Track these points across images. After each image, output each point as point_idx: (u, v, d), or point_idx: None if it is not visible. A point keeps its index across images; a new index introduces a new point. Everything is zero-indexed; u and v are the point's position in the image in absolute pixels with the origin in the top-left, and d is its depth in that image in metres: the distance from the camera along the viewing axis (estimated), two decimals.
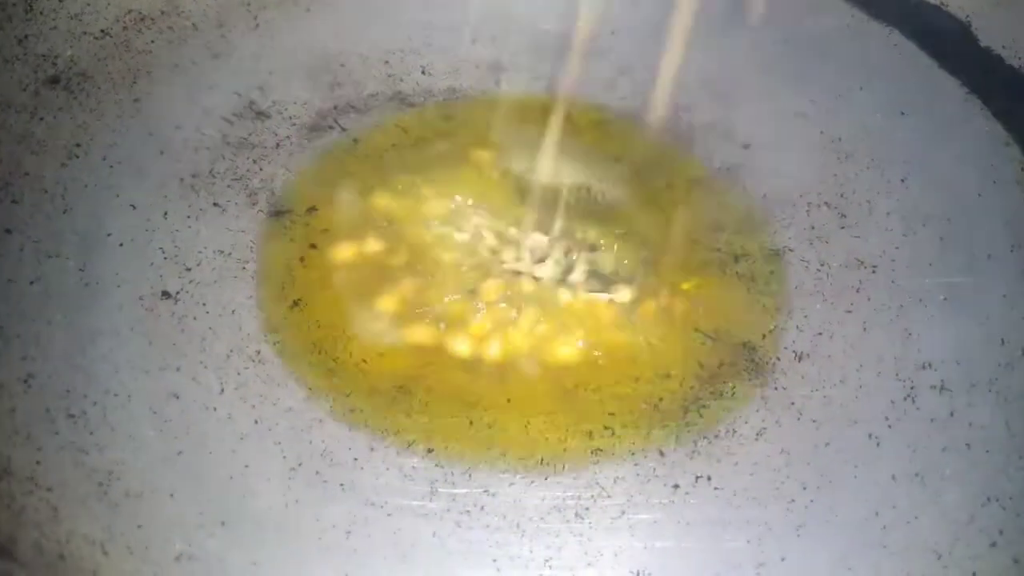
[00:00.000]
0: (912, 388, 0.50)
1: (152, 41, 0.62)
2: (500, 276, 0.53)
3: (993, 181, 0.58)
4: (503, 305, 0.52)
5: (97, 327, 0.49)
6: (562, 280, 0.54)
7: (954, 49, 0.63)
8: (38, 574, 0.28)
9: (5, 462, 0.41)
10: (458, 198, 0.57)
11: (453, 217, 0.56)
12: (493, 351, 0.51)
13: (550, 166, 0.59)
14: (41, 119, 0.56)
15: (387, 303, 0.52)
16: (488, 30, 0.67)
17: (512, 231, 0.56)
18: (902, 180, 0.59)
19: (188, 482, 0.44)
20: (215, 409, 0.47)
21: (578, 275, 0.54)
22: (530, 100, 0.64)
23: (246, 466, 0.45)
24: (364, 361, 0.50)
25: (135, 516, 0.41)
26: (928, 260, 0.55)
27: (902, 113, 0.62)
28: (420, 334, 0.51)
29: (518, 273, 0.54)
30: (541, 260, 0.54)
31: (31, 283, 0.50)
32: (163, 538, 0.41)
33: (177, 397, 0.47)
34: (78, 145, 0.56)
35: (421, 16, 0.67)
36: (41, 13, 0.58)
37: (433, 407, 0.48)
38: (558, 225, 0.56)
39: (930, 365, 0.50)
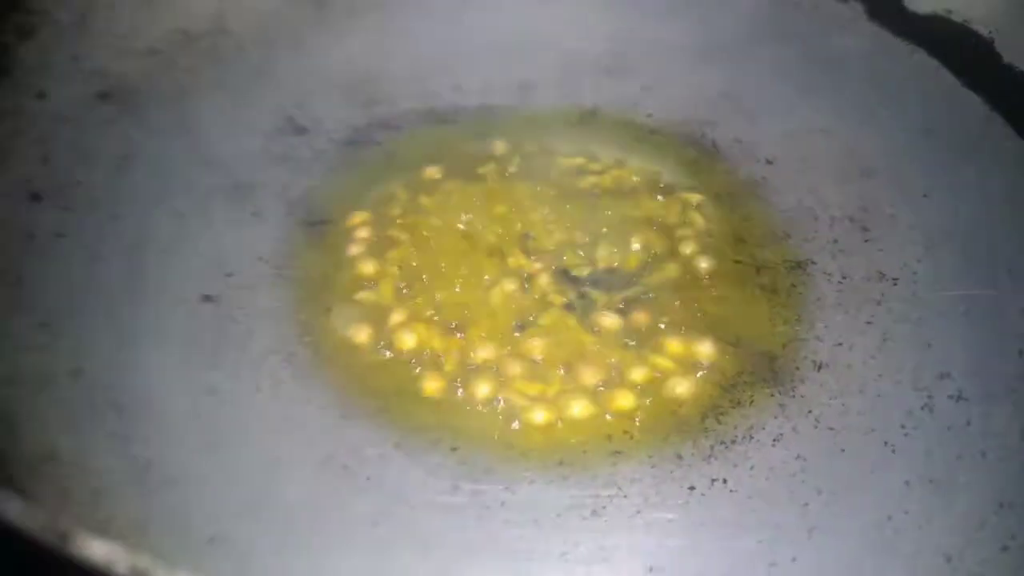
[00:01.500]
0: (929, 398, 0.50)
1: (198, 60, 0.65)
2: (522, 294, 0.55)
3: (1014, 196, 0.58)
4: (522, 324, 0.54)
5: (142, 327, 0.51)
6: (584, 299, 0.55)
7: (977, 66, 0.63)
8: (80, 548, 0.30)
9: (52, 449, 0.44)
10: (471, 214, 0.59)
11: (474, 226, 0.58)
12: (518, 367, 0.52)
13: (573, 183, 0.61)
14: (92, 132, 0.59)
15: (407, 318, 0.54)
16: (517, 49, 0.69)
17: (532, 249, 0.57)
18: (924, 195, 0.60)
19: (222, 472, 0.46)
20: (250, 405, 0.49)
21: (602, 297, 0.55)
22: (558, 116, 0.66)
23: (278, 459, 0.47)
24: (392, 363, 0.51)
25: (171, 502, 0.44)
26: (949, 274, 0.56)
27: (925, 129, 0.63)
28: (442, 343, 0.53)
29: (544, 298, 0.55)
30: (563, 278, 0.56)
31: (79, 285, 0.52)
32: (197, 522, 0.43)
33: (215, 393, 0.49)
34: (126, 157, 0.59)
35: (453, 36, 0.70)
36: (93, 32, 0.62)
37: (458, 407, 0.50)
38: (579, 242, 0.57)
39: (948, 375, 0.51)
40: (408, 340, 0.52)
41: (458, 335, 0.52)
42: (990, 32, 0.63)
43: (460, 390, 0.50)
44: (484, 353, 0.52)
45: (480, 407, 0.50)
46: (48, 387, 0.47)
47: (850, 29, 0.67)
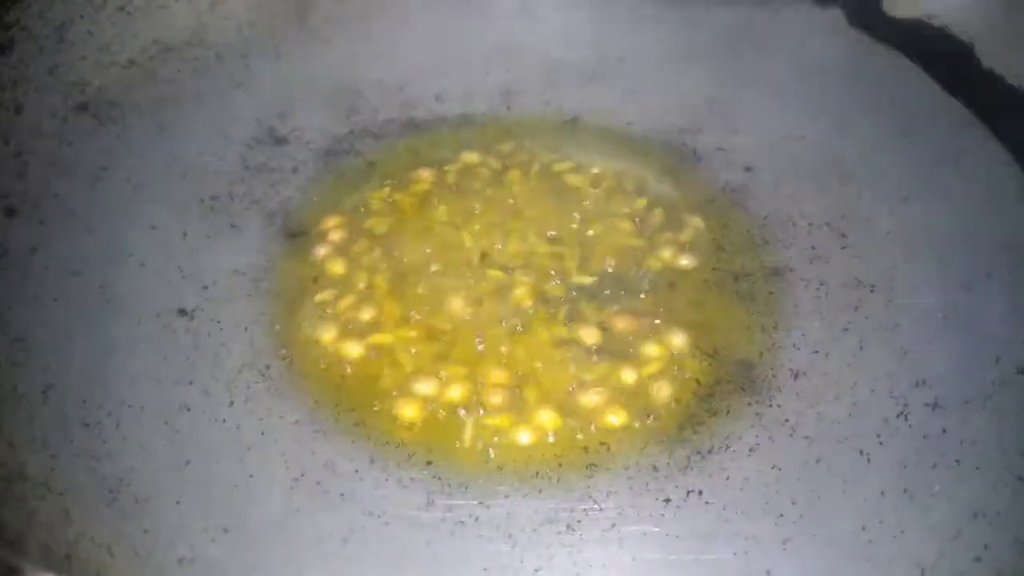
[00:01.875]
0: (905, 406, 0.50)
1: (177, 71, 0.65)
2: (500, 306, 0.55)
3: (993, 201, 0.58)
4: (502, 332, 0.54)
5: (115, 342, 0.51)
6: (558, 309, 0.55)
7: (956, 71, 0.63)
8: (46, 573, 0.30)
9: (21, 467, 0.44)
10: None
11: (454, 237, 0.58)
12: (495, 378, 0.52)
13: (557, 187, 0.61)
14: (70, 144, 0.59)
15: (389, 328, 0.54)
16: (500, 58, 0.69)
17: (504, 253, 0.57)
18: (902, 200, 0.60)
19: (194, 490, 0.46)
20: (224, 421, 0.49)
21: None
22: (540, 124, 0.66)
23: (251, 476, 0.47)
24: (369, 378, 0.51)
25: (142, 521, 0.44)
26: (926, 279, 0.56)
27: (904, 134, 0.63)
28: (422, 352, 0.53)
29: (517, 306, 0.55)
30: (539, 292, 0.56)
31: (54, 300, 0.52)
32: (167, 542, 0.43)
33: (188, 409, 0.49)
34: (104, 169, 0.59)
35: (435, 46, 0.70)
36: (71, 44, 0.61)
37: (433, 421, 0.50)
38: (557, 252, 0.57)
39: (924, 383, 0.51)
40: (374, 348, 0.52)
41: (433, 345, 0.52)
42: (969, 37, 0.63)
43: (433, 407, 0.50)
44: (458, 367, 0.52)
45: (455, 423, 0.50)
46: (20, 405, 0.47)
47: (830, 35, 0.67)
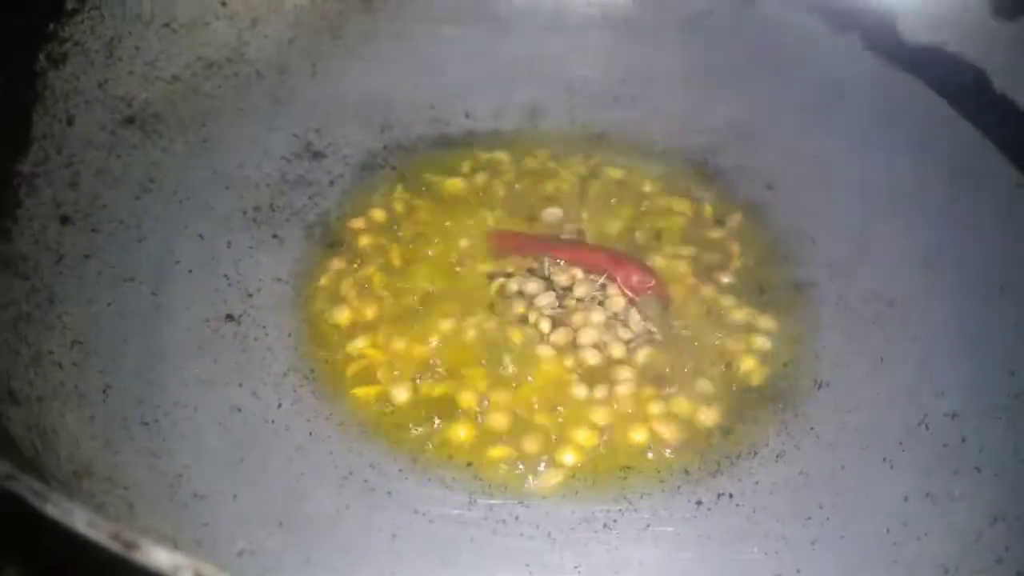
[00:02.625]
0: (925, 415, 0.52)
1: (219, 86, 0.68)
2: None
3: (1006, 219, 0.61)
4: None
5: (168, 345, 0.53)
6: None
7: (970, 95, 0.66)
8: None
9: (87, 463, 0.46)
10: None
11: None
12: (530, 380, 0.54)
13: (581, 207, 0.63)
14: (118, 156, 0.62)
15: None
16: (527, 76, 0.72)
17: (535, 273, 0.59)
18: (918, 219, 0.62)
19: (249, 486, 0.48)
20: (273, 422, 0.51)
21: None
22: (566, 140, 0.68)
23: (302, 474, 0.49)
24: (410, 381, 0.53)
25: (202, 515, 0.46)
26: (943, 295, 0.58)
27: (920, 155, 0.65)
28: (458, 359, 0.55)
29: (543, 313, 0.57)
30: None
31: (108, 304, 0.54)
32: (227, 535, 0.45)
33: (239, 410, 0.51)
34: (151, 180, 0.62)
35: (464, 63, 0.72)
36: (119, 59, 0.64)
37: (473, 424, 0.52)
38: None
39: (943, 393, 0.53)
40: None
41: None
42: (982, 63, 0.65)
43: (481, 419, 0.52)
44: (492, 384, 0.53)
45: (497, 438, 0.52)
46: (81, 404, 0.49)
47: (848, 60, 0.70)
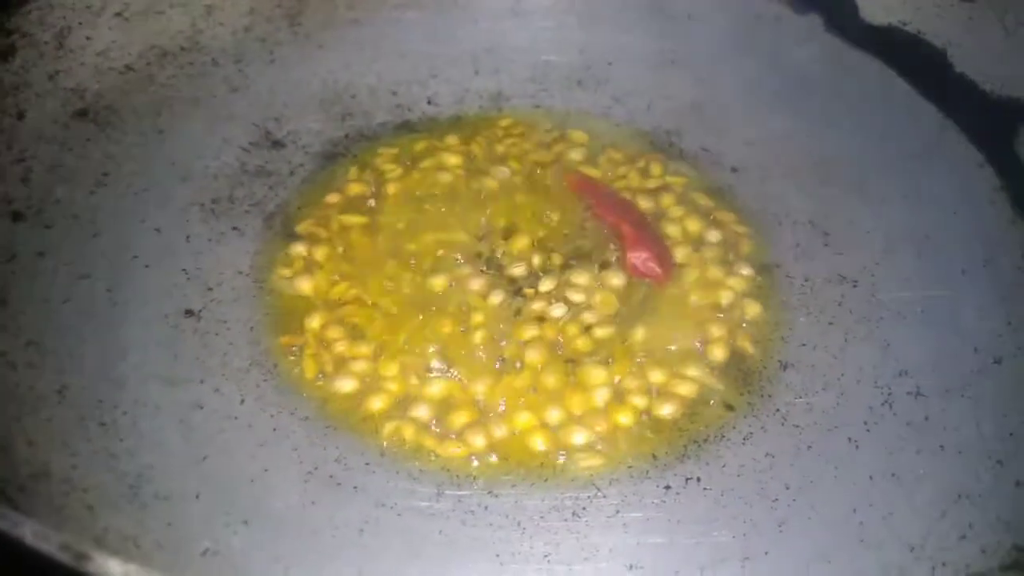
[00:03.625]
0: (890, 395, 0.53)
1: (173, 76, 0.66)
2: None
3: (968, 201, 0.61)
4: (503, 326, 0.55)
5: (126, 343, 0.52)
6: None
7: (931, 76, 0.66)
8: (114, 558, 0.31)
9: (44, 466, 0.45)
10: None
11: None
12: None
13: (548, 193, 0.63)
14: (71, 149, 0.60)
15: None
16: (490, 61, 0.71)
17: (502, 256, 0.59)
18: (882, 200, 0.62)
19: (213, 485, 0.47)
20: (236, 418, 0.50)
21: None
22: (530, 125, 0.68)
23: (266, 470, 0.48)
24: (375, 373, 0.53)
25: (164, 515, 0.45)
26: (906, 275, 0.58)
27: (882, 137, 0.65)
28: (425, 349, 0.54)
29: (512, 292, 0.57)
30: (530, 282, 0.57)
31: (64, 302, 0.53)
32: (191, 535, 0.44)
33: (201, 407, 0.50)
34: (105, 174, 0.60)
35: (426, 49, 0.71)
36: (70, 50, 0.62)
37: (439, 413, 0.51)
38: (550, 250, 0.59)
39: (907, 373, 0.53)
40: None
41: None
42: (943, 43, 0.65)
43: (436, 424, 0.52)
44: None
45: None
46: (37, 406, 0.48)
47: (809, 41, 0.69)
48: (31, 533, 0.28)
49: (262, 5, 0.70)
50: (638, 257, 0.57)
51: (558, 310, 0.55)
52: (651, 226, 0.60)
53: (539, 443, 0.50)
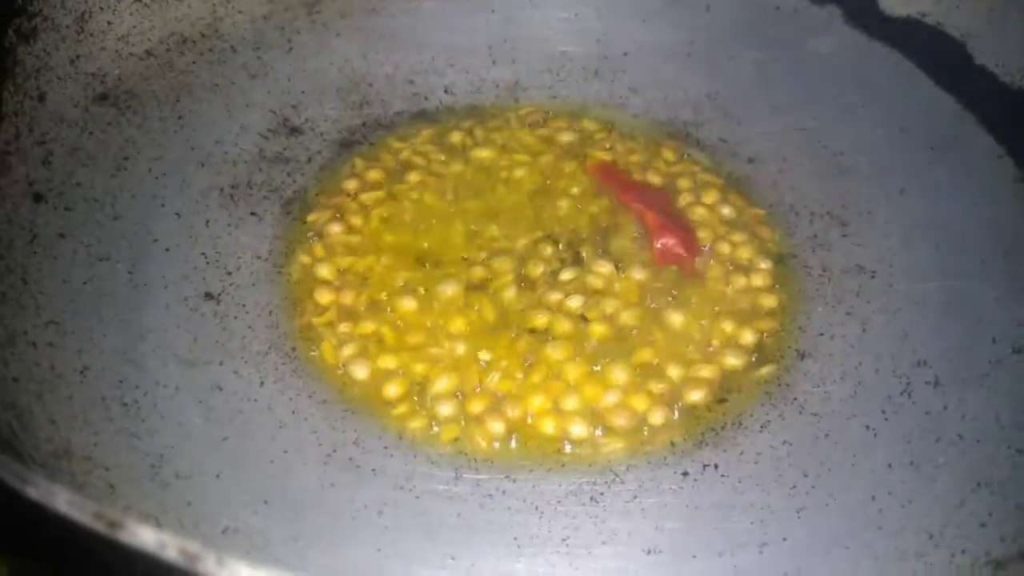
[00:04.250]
0: (908, 384, 0.53)
1: (193, 62, 0.66)
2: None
3: (986, 192, 0.61)
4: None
5: (146, 325, 0.53)
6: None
7: (950, 68, 0.66)
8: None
9: (66, 444, 0.45)
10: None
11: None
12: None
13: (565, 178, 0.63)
14: (91, 133, 0.60)
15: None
16: (507, 51, 0.71)
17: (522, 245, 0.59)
18: (900, 191, 0.62)
19: (233, 465, 0.47)
20: (256, 400, 0.51)
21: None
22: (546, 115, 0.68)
23: (285, 451, 0.48)
24: (393, 357, 0.53)
25: (185, 494, 0.45)
26: (924, 266, 0.58)
27: (901, 128, 0.65)
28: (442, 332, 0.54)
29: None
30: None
31: (84, 283, 0.53)
32: (211, 514, 0.44)
33: (221, 389, 0.51)
34: (126, 158, 0.60)
35: (444, 39, 0.71)
36: (91, 35, 0.62)
37: (456, 398, 0.51)
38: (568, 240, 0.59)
39: (925, 363, 0.53)
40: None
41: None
42: (962, 35, 0.65)
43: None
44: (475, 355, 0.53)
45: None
46: (59, 385, 0.48)
47: (828, 32, 0.69)
48: (66, 502, 0.29)
49: None
50: (665, 243, 0.57)
51: (580, 298, 0.55)
52: (676, 212, 0.60)
53: (556, 428, 0.50)
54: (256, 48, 0.69)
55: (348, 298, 0.56)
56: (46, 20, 0.60)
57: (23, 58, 0.58)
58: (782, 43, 0.70)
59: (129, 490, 0.44)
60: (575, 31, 0.72)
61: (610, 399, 0.51)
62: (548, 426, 0.50)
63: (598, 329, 0.54)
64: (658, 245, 0.57)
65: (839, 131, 0.66)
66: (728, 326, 0.55)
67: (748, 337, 0.55)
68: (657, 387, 0.52)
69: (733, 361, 0.54)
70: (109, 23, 0.63)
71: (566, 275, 0.56)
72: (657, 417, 0.51)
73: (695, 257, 0.58)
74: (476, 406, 0.51)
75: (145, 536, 0.28)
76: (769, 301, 0.57)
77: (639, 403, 0.51)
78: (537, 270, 0.57)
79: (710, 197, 0.61)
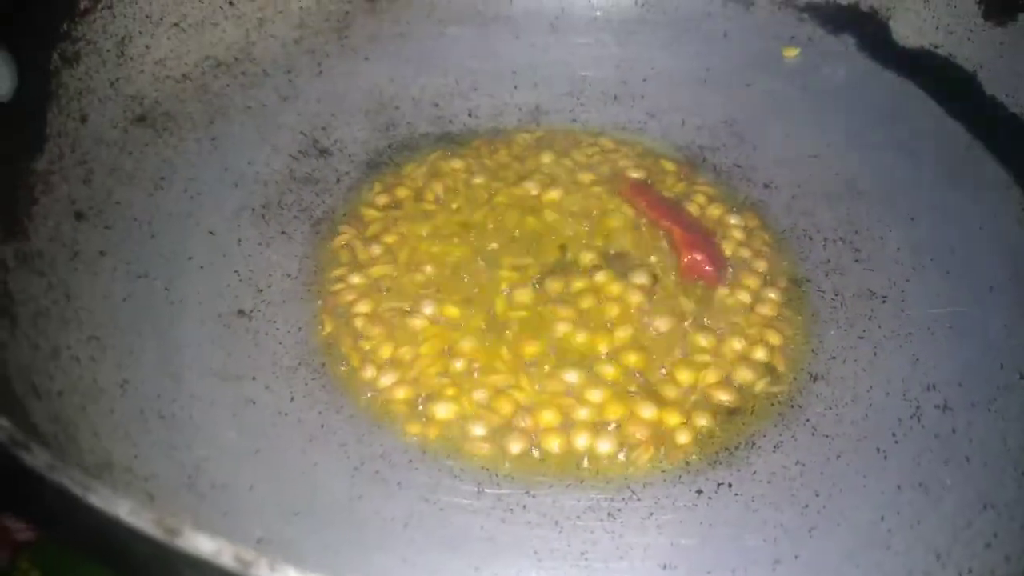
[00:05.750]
0: (918, 408, 0.54)
1: (227, 85, 0.69)
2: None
3: (995, 219, 0.62)
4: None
5: (182, 340, 0.55)
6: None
7: (961, 97, 0.68)
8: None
9: (107, 456, 0.47)
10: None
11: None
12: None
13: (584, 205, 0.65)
14: (130, 154, 0.63)
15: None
16: (529, 76, 0.73)
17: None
18: (911, 218, 0.64)
19: (265, 477, 0.49)
20: (286, 414, 0.52)
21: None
22: (567, 138, 0.70)
23: (315, 464, 0.50)
24: (417, 373, 0.55)
25: (221, 505, 0.47)
26: (935, 291, 0.60)
27: (911, 156, 0.67)
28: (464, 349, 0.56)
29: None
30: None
31: (123, 300, 0.56)
32: (245, 524, 0.46)
33: (253, 403, 0.53)
34: (162, 178, 0.63)
35: (468, 63, 0.73)
36: (131, 59, 0.65)
37: (480, 415, 0.53)
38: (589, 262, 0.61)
39: (935, 387, 0.55)
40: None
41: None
42: (973, 66, 0.67)
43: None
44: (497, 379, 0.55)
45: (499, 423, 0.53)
46: (100, 398, 0.50)
47: (841, 61, 0.71)
48: (127, 510, 0.31)
49: (311, 19, 0.73)
50: (692, 259, 0.59)
51: (606, 313, 0.57)
52: (704, 229, 0.62)
53: (575, 445, 0.52)
54: (287, 72, 0.71)
55: (374, 314, 0.57)
56: (89, 44, 0.62)
57: (67, 81, 0.60)
58: (797, 71, 0.72)
59: (167, 500, 0.46)
60: (595, 57, 0.75)
61: (633, 416, 0.53)
62: (578, 441, 0.52)
63: (623, 347, 0.56)
64: (685, 260, 0.59)
65: (851, 158, 0.68)
66: (744, 346, 0.57)
67: (762, 357, 0.56)
68: (678, 406, 0.53)
69: (748, 381, 0.55)
70: (147, 47, 0.66)
71: (594, 288, 0.58)
72: (682, 437, 0.52)
73: (720, 271, 0.59)
74: (499, 422, 0.53)
75: (202, 543, 0.30)
76: (783, 324, 0.58)
77: (668, 419, 0.53)
78: (564, 287, 0.59)
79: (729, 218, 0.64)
